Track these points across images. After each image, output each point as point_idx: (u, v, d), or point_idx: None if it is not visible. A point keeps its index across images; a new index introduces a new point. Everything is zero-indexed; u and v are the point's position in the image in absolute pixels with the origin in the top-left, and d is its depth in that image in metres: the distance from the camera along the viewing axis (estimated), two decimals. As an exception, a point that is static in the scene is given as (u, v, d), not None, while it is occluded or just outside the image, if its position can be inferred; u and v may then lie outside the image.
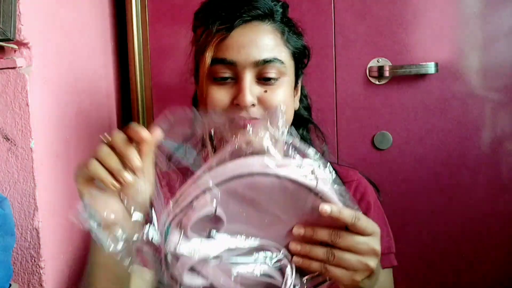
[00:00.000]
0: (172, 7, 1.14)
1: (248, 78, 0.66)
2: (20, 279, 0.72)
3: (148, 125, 1.15)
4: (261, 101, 0.67)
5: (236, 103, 0.66)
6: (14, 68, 0.69)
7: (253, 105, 0.66)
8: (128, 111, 1.19)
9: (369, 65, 1.12)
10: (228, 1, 0.69)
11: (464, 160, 1.13)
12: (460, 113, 1.12)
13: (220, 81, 0.67)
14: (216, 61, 0.67)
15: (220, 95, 0.67)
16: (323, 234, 0.54)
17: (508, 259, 1.15)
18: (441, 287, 1.17)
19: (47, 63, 0.76)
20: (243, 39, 0.67)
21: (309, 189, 0.51)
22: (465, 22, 1.11)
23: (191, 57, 0.75)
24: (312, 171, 0.52)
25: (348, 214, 0.52)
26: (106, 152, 0.52)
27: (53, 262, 0.76)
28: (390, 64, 1.11)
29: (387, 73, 1.10)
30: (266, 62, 0.66)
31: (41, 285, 0.72)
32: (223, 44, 0.67)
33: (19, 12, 0.67)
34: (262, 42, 0.67)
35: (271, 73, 0.67)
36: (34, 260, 0.72)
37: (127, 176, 0.52)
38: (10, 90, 0.69)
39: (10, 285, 0.66)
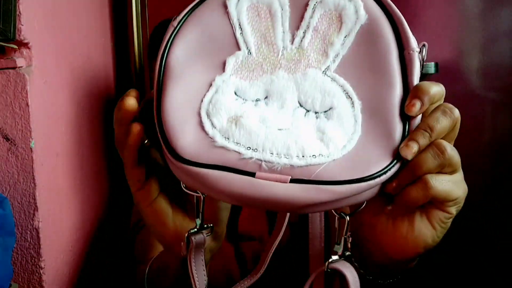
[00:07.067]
0: (172, 7, 1.14)
1: None
2: (20, 279, 0.72)
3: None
4: None
5: None
6: (14, 68, 0.69)
7: None
8: (128, 111, 1.18)
9: (369, 65, 1.12)
10: None
11: (463, 160, 1.13)
12: (460, 113, 1.12)
13: None
14: None
15: None
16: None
17: (508, 259, 1.15)
18: (441, 287, 1.17)
19: (47, 63, 0.76)
20: None
21: None
22: (465, 22, 1.11)
23: None
24: None
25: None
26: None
27: (53, 262, 0.76)
28: (390, 64, 1.11)
29: (387, 73, 1.10)
30: None
31: (41, 285, 0.72)
32: None
33: (19, 12, 0.67)
34: None
35: None
36: (34, 260, 0.72)
37: None
38: (10, 90, 0.69)
39: (10, 285, 0.66)
